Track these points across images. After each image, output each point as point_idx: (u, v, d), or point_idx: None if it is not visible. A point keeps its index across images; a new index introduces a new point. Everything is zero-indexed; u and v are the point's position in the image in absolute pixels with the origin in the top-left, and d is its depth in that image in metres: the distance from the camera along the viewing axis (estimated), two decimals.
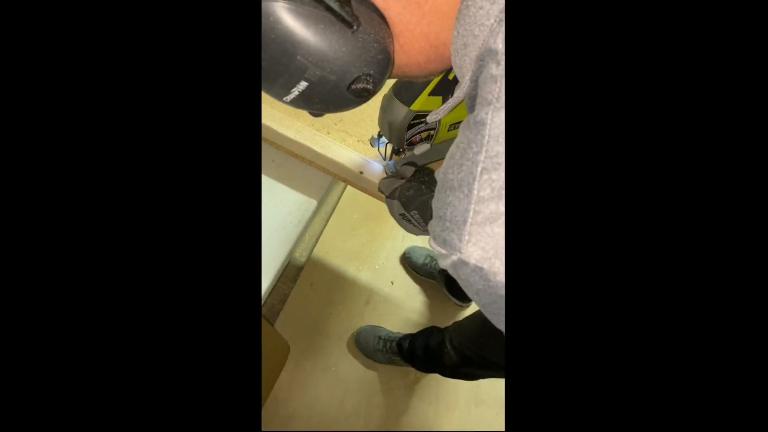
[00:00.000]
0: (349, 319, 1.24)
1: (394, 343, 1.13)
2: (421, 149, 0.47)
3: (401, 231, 1.40)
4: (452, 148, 0.26)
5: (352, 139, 0.49)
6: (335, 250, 1.30)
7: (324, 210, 1.30)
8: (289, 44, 0.24)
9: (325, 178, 0.55)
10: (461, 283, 0.25)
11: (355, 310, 1.25)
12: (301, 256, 1.24)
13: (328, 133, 0.49)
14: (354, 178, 0.47)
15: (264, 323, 1.08)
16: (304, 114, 0.50)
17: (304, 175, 0.55)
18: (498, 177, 0.22)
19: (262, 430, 0.42)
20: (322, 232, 1.30)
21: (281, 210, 0.54)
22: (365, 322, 1.24)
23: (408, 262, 1.29)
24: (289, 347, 1.11)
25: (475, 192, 0.22)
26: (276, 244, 0.52)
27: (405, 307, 1.28)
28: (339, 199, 1.34)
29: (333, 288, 1.26)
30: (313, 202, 0.57)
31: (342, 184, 1.31)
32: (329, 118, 0.49)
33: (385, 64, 0.27)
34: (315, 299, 1.23)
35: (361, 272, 1.29)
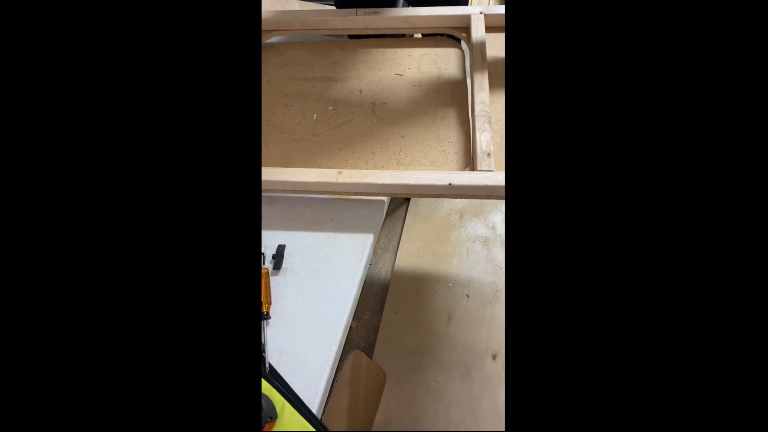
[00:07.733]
0: (437, 336, 1.35)
1: None
2: None
3: (464, 247, 1.51)
4: None
5: (429, 163, 0.59)
6: (409, 278, 1.45)
7: (392, 245, 1.46)
8: None
9: (374, 215, 0.64)
10: None
11: (440, 328, 1.37)
12: (382, 291, 1.39)
13: (410, 164, 0.59)
14: (445, 191, 0.54)
15: (361, 356, 1.23)
16: (389, 160, 0.59)
17: (358, 216, 0.63)
18: None
19: None
20: (393, 264, 1.45)
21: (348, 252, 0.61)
22: (451, 336, 1.35)
23: None
24: (384, 374, 1.24)
25: None
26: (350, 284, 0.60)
27: (484, 314, 1.39)
28: (401, 233, 1.49)
29: (415, 312, 1.39)
30: (370, 236, 0.62)
31: (400, 221, 1.48)
32: (395, 153, 0.61)
33: None
34: (401, 325, 1.37)
35: (437, 293, 1.42)
